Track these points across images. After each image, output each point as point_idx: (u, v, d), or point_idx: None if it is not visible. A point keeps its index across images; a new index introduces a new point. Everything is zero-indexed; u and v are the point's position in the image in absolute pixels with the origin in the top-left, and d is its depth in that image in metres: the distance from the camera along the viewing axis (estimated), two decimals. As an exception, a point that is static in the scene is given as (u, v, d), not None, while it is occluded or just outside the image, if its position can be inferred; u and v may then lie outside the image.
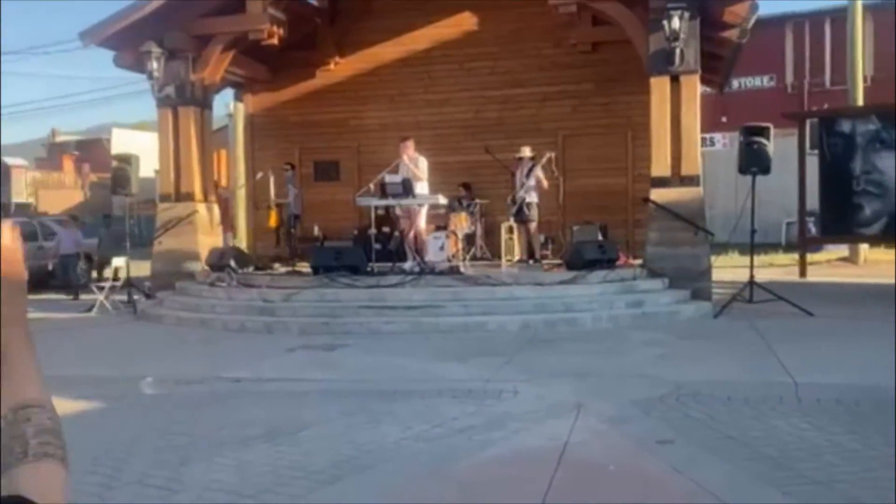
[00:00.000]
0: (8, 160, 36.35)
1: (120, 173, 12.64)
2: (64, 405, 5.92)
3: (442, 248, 11.23)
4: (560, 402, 5.89)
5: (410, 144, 11.23)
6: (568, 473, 4.38)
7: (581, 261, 10.55)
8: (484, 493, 4.28)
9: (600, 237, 12.11)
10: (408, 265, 11.16)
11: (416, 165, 11.06)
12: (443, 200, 11.43)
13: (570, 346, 8.21)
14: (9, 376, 0.93)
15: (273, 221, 13.87)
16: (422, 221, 11.28)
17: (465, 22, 14.31)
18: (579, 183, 13.38)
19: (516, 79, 14.06)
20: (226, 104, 23.40)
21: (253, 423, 5.64)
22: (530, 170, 11.86)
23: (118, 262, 13.19)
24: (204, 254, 12.13)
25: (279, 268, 12.69)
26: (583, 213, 13.12)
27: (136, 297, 12.17)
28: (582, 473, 4.46)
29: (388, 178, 10.89)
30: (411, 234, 11.31)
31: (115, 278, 12.84)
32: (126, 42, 12.19)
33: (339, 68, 14.93)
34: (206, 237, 12.66)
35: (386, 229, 13.05)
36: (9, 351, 0.94)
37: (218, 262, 11.57)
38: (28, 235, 16.62)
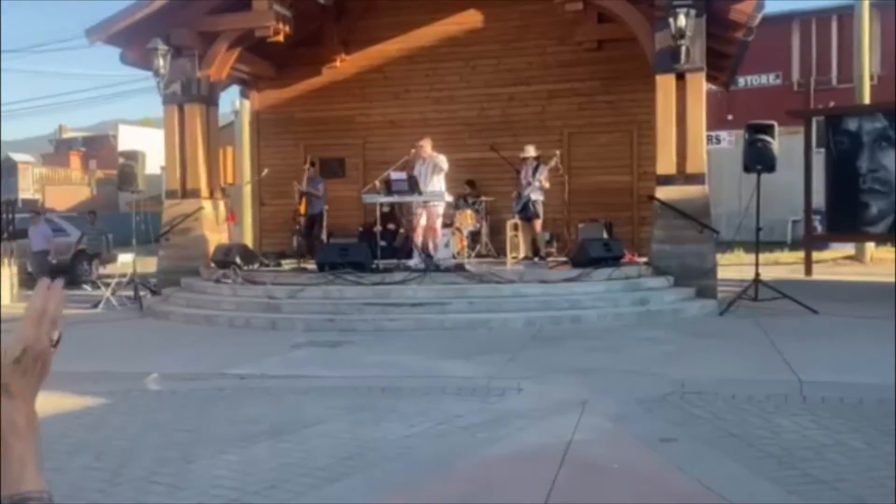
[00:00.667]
0: (15, 156, 36.52)
1: (126, 170, 12.67)
2: (69, 401, 5.96)
3: (447, 245, 11.22)
4: (564, 400, 5.89)
5: (426, 144, 11.17)
6: (572, 471, 4.38)
7: (586, 258, 10.53)
8: (487, 490, 4.29)
9: (605, 235, 12.10)
10: (413, 262, 11.16)
11: (436, 162, 11.00)
12: (448, 198, 11.43)
13: (574, 343, 8.20)
14: (9, 459, 0.88)
15: (304, 209, 13.72)
16: (438, 218, 11.23)
17: (471, 19, 14.31)
18: (584, 180, 13.35)
19: (521, 76, 14.05)
20: (231, 101, 23.47)
21: (257, 419, 5.66)
22: (535, 168, 11.85)
23: (124, 258, 13.21)
24: (210, 250, 12.16)
25: (285, 264, 12.70)
26: (588, 211, 13.12)
27: (142, 293, 12.21)
28: (586, 471, 4.46)
29: (394, 176, 10.88)
30: (419, 231, 11.27)
31: (122, 275, 12.86)
32: (132, 39, 12.21)
33: (345, 65, 14.94)
34: (212, 234, 12.68)
35: (391, 226, 13.05)
36: (14, 429, 0.89)
37: (223, 258, 11.60)
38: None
